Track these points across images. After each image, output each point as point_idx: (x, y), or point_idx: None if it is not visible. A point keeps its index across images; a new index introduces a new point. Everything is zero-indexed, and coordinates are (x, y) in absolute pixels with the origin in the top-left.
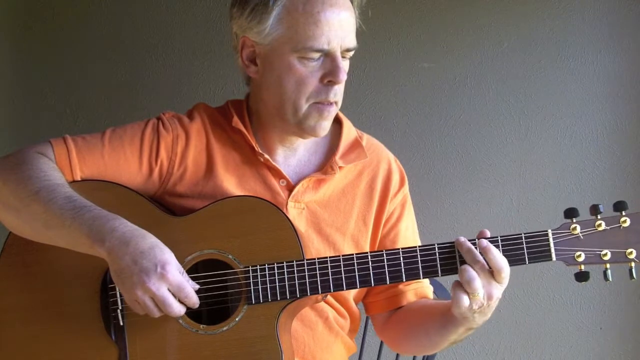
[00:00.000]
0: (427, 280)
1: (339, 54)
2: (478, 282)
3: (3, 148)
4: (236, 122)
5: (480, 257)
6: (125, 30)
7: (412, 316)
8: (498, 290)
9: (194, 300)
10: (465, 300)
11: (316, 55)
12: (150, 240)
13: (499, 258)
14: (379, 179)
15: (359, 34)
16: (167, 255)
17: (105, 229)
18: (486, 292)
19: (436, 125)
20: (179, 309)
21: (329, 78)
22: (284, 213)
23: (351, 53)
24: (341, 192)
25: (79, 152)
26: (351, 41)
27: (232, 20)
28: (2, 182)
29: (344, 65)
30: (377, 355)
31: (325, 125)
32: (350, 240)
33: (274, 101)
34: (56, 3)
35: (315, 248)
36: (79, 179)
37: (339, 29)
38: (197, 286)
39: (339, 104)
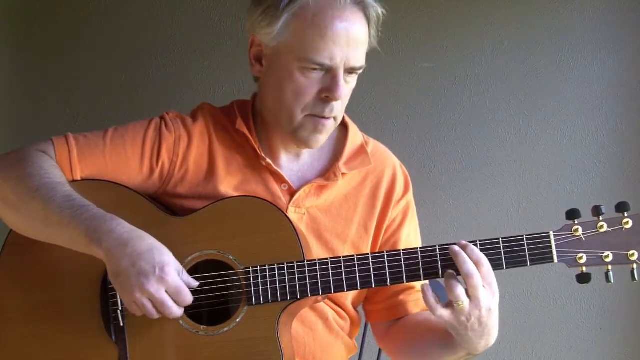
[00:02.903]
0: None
1: (340, 72)
2: (460, 288)
3: (3, 148)
4: (240, 124)
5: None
6: (125, 30)
7: (412, 330)
8: (484, 295)
9: (189, 303)
10: (446, 314)
11: (317, 68)
12: (148, 242)
13: (477, 252)
14: (383, 186)
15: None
16: (166, 257)
17: (102, 230)
18: (472, 298)
19: (436, 125)
20: (176, 311)
21: (326, 93)
22: (284, 214)
23: (357, 72)
24: (343, 198)
25: (80, 151)
26: (357, 60)
27: (248, 15)
28: (3, 180)
29: (351, 82)
30: (377, 356)
31: (320, 139)
32: (351, 246)
33: (272, 105)
34: (56, 3)
35: (315, 254)
36: (79, 178)
37: (346, 45)
38: (197, 283)
39: (338, 119)
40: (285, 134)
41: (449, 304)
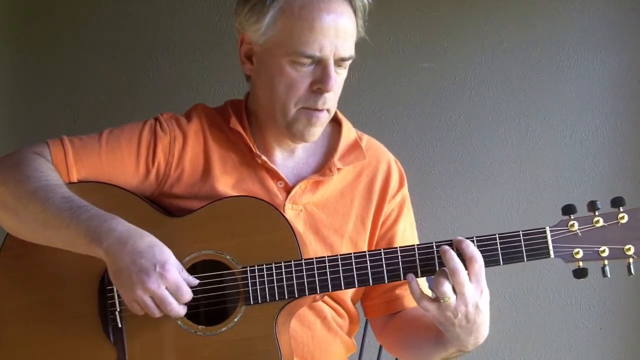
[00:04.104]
0: (426, 285)
1: (331, 62)
2: (447, 285)
3: (3, 148)
4: (234, 123)
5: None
6: (125, 30)
7: (408, 325)
8: (470, 292)
9: (188, 299)
10: (432, 308)
11: (308, 61)
12: (148, 240)
13: (472, 248)
14: (378, 180)
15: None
16: (166, 255)
17: (102, 229)
18: (458, 294)
19: (436, 125)
20: (178, 308)
21: (318, 85)
22: (281, 213)
23: (347, 62)
24: (339, 193)
25: (76, 153)
26: (346, 50)
27: (235, 15)
28: (0, 183)
29: (342, 72)
30: (377, 355)
31: (314, 132)
32: (349, 241)
33: (265, 102)
34: (56, 3)
35: (313, 250)
36: (75, 180)
37: (334, 37)
38: (197, 281)
39: (332, 111)
40: (279, 129)
41: (436, 299)
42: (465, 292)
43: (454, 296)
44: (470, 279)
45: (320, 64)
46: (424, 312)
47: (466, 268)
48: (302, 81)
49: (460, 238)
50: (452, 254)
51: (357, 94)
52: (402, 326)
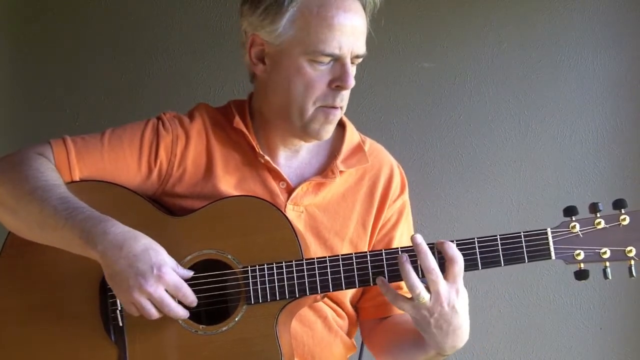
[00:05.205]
0: None
1: (348, 60)
2: (421, 287)
3: (3, 148)
4: (238, 122)
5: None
6: (125, 30)
7: (393, 329)
8: (445, 290)
9: (192, 299)
10: (408, 307)
11: (327, 59)
12: (143, 242)
13: (453, 249)
14: (380, 184)
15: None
16: (162, 256)
17: (97, 231)
18: (433, 293)
19: (436, 125)
20: (177, 309)
21: (337, 83)
22: (283, 213)
23: (360, 59)
24: (341, 196)
25: (78, 153)
26: (361, 48)
27: (242, 17)
28: (1, 182)
29: (353, 70)
30: None
31: (329, 129)
32: (349, 244)
33: (279, 102)
34: (56, 3)
35: (313, 252)
36: (78, 180)
37: (351, 34)
38: (191, 273)
39: (344, 108)
40: (293, 129)
41: (411, 298)
42: (439, 291)
43: (429, 295)
44: (446, 278)
45: (338, 61)
46: (409, 318)
47: (447, 269)
48: (321, 80)
49: (442, 241)
50: (427, 253)
51: (356, 94)
52: (388, 330)
